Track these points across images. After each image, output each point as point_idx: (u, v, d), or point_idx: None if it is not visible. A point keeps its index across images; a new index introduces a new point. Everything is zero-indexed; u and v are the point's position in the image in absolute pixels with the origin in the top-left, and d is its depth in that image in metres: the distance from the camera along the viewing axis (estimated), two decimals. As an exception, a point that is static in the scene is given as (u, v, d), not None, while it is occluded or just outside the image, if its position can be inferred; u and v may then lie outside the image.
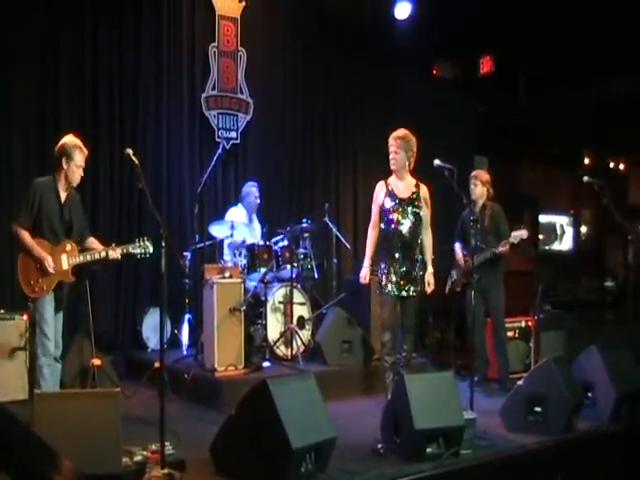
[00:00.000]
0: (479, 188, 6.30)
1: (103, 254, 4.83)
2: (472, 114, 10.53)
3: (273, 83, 8.46)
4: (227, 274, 5.93)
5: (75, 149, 4.77)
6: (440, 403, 4.23)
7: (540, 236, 13.53)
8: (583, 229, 14.66)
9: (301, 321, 6.57)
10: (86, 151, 4.84)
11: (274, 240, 6.77)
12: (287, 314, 6.43)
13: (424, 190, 5.25)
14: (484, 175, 6.40)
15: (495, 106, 10.54)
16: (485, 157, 10.56)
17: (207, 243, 6.84)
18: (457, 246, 6.48)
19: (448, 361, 6.86)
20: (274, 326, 6.38)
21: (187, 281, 6.62)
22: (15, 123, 6.63)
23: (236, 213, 6.92)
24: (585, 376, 5.19)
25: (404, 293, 5.10)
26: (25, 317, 5.58)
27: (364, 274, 5.32)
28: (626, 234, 6.86)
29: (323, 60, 8.84)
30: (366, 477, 3.91)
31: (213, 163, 6.79)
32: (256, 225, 7.07)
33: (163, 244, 3.86)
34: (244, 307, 5.85)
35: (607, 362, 5.17)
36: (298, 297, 6.55)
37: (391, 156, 5.18)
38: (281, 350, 6.31)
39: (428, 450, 4.14)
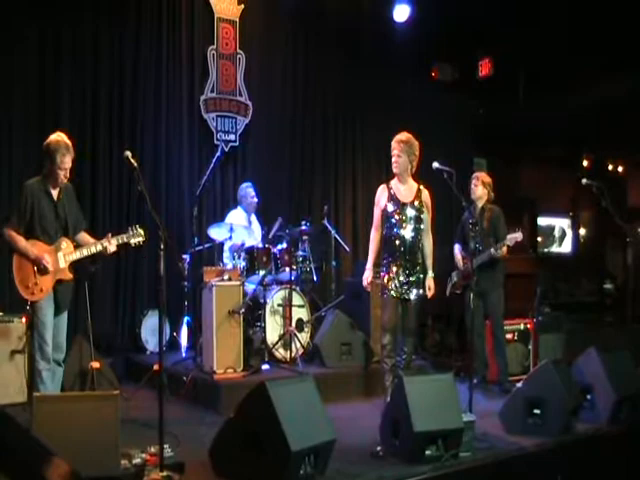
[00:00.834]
0: (480, 189, 6.31)
1: (99, 247, 4.72)
2: (471, 116, 10.53)
3: (272, 86, 8.47)
4: (226, 277, 5.95)
5: (57, 151, 4.57)
6: (439, 405, 4.23)
7: (539, 238, 13.52)
8: (582, 231, 14.64)
9: (300, 324, 6.56)
10: (72, 150, 4.65)
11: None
12: (286, 317, 6.42)
13: (425, 194, 5.24)
14: (486, 177, 6.41)
15: (494, 108, 10.53)
16: (484, 159, 10.57)
17: (206, 246, 6.84)
18: (457, 248, 6.49)
19: (447, 363, 6.87)
20: (273, 329, 6.38)
21: (186, 283, 6.60)
22: (15, 123, 6.63)
23: (236, 216, 6.93)
24: (584, 378, 5.18)
25: (406, 296, 5.09)
26: (24, 320, 5.53)
27: (367, 277, 5.31)
28: (625, 236, 6.87)
29: (322, 63, 8.84)
30: (365, 479, 3.90)
31: (212, 166, 6.79)
32: (255, 226, 7.09)
33: (162, 246, 3.85)
34: (243, 310, 5.85)
35: (606, 364, 5.16)
36: (297, 300, 6.55)
37: (393, 159, 5.16)
38: (280, 352, 6.30)
39: (427, 452, 4.13)
